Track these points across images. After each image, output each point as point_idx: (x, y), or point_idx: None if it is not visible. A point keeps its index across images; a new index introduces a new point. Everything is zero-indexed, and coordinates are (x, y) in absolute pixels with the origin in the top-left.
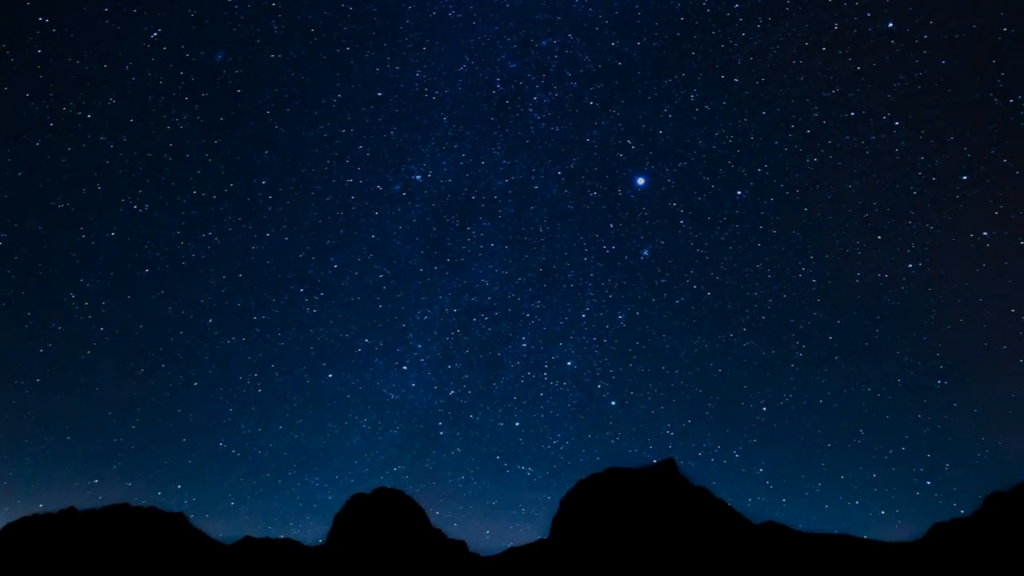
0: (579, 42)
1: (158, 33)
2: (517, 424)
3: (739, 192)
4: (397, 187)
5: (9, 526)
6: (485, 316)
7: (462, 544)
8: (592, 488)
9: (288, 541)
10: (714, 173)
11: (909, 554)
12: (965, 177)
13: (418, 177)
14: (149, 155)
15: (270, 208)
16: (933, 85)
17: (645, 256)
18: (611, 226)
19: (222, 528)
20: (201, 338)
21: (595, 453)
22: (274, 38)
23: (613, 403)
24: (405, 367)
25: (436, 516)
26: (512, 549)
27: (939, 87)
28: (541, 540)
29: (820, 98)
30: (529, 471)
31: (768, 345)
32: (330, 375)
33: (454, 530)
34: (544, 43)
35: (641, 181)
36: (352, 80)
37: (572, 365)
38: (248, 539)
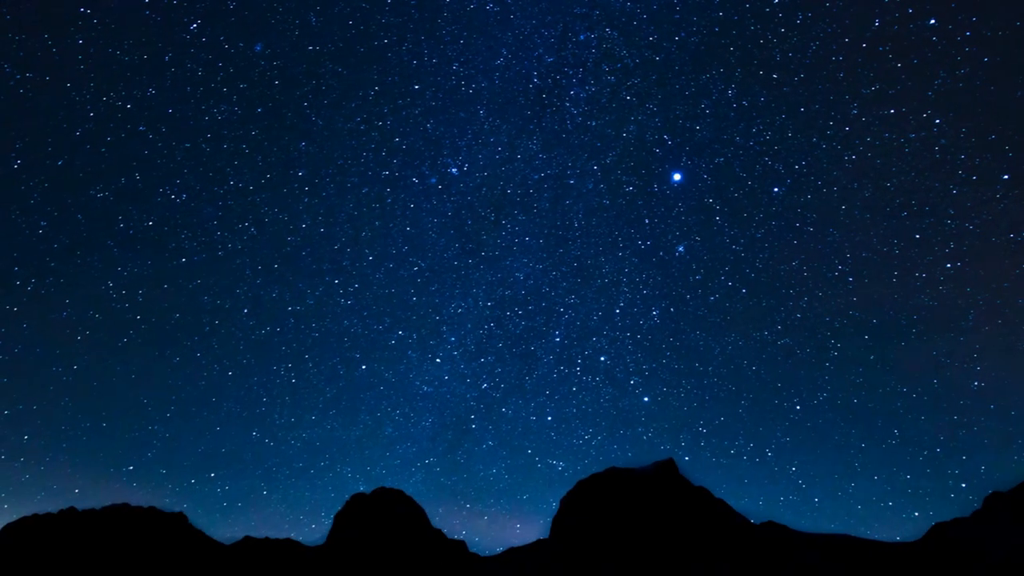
0: (617, 37)
1: (197, 24)
2: (549, 419)
3: (776, 189)
4: (433, 180)
5: (9, 526)
6: (519, 310)
7: (462, 544)
8: (592, 488)
9: (288, 541)
10: (751, 170)
11: (909, 554)
12: (1006, 176)
13: (454, 170)
14: (187, 145)
15: (306, 200)
16: (975, 83)
17: (680, 252)
18: (646, 222)
19: (240, 519)
20: (236, 328)
21: (627, 449)
22: (312, 30)
23: (646, 399)
24: (438, 360)
25: (467, 509)
26: (512, 549)
27: (981, 85)
28: (540, 540)
29: (860, 95)
30: (561, 465)
31: (803, 344)
32: (363, 367)
33: (484, 523)
34: (582, 37)
35: (677, 177)
36: (389, 72)
37: (605, 360)
38: (248, 539)
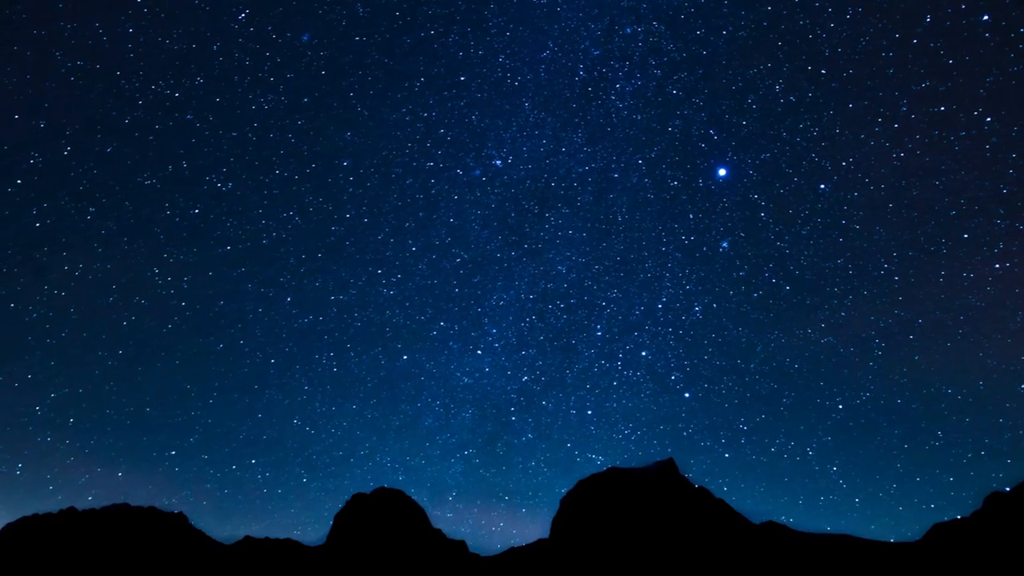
0: (663, 30)
1: (246, 14)
2: (589, 412)
3: (822, 186)
4: (477, 172)
5: (9, 526)
6: (561, 303)
7: (462, 544)
8: (592, 488)
9: (288, 541)
10: (797, 166)
11: (909, 554)
12: None
13: (498, 162)
14: (234, 134)
15: (351, 189)
16: None
17: (724, 248)
18: (691, 217)
19: (279, 505)
20: (279, 316)
21: (667, 444)
22: (359, 20)
23: (687, 395)
24: (479, 351)
25: (505, 501)
26: (512, 549)
27: None
28: (541, 540)
29: (909, 91)
30: (600, 460)
31: (847, 342)
32: (405, 357)
33: (521, 515)
34: (628, 31)
35: (723, 172)
36: (435, 64)
37: (647, 355)
38: (248, 539)
